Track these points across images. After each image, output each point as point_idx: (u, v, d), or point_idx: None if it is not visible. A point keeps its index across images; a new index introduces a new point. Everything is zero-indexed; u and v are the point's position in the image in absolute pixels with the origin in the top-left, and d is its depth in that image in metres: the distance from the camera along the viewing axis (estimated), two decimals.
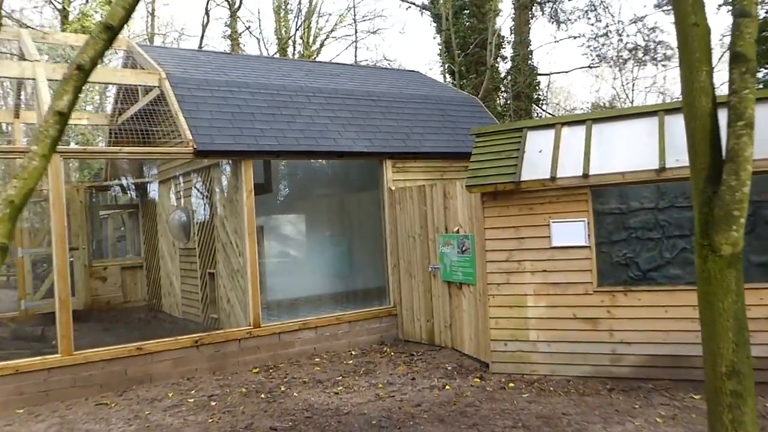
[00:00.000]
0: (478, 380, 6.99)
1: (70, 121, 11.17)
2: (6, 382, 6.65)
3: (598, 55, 24.31)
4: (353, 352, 8.69)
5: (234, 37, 26.14)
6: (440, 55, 23.13)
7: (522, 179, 6.92)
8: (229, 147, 8.05)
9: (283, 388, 7.03)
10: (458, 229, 8.14)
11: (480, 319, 7.67)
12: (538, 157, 7.05)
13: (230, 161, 8.71)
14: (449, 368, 7.59)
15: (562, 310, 6.91)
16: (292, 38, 27.74)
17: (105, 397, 7.04)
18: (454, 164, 10.33)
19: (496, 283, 7.22)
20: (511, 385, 6.75)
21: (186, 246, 10.65)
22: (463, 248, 7.96)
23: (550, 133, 7.23)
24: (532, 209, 7.04)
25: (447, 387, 6.78)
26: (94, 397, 7.08)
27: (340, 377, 7.40)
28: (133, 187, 12.99)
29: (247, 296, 8.25)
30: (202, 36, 24.50)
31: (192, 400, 6.77)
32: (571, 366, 6.87)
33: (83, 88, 3.40)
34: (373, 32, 34.39)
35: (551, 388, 6.59)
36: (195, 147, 7.80)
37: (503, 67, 23.32)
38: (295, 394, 6.80)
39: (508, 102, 22.20)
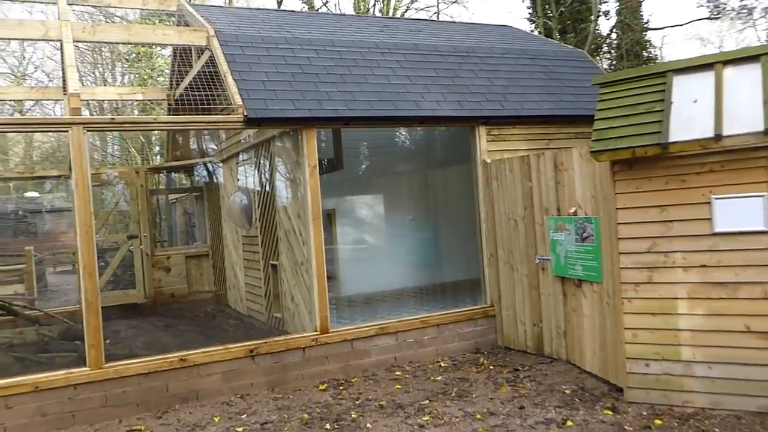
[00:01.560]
0: (610, 412, 5.32)
1: (125, 97, 10.24)
2: (26, 401, 5.62)
3: (716, 6, 21.38)
4: (442, 364, 7.19)
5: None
6: (532, 15, 21.00)
7: (671, 140, 5.12)
8: (286, 113, 6.67)
9: (354, 415, 5.63)
10: (575, 210, 6.43)
11: (608, 329, 5.96)
12: (693, 109, 5.23)
13: (290, 131, 7.35)
14: (567, 392, 5.94)
15: (729, 320, 5.11)
16: (371, 11, 26.31)
17: (141, 420, 5.90)
18: (562, 130, 8.57)
19: (634, 281, 5.49)
20: (658, 422, 5.05)
21: (248, 233, 9.47)
22: (584, 235, 6.25)
23: (707, 77, 5.38)
24: (684, 181, 5.24)
25: (569, 423, 5.16)
26: (129, 418, 5.95)
27: (426, 400, 5.92)
28: (197, 168, 11.98)
29: (313, 295, 6.91)
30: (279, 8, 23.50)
31: (241, 429, 5.49)
32: (744, 397, 5.08)
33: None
34: (455, 1, 32.14)
35: (716, 429, 4.84)
36: (245, 114, 6.48)
37: (606, 25, 20.91)
38: (368, 425, 5.38)
39: (613, 63, 19.82)
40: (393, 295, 8.99)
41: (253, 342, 6.61)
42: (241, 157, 9.60)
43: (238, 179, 9.80)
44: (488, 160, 7.89)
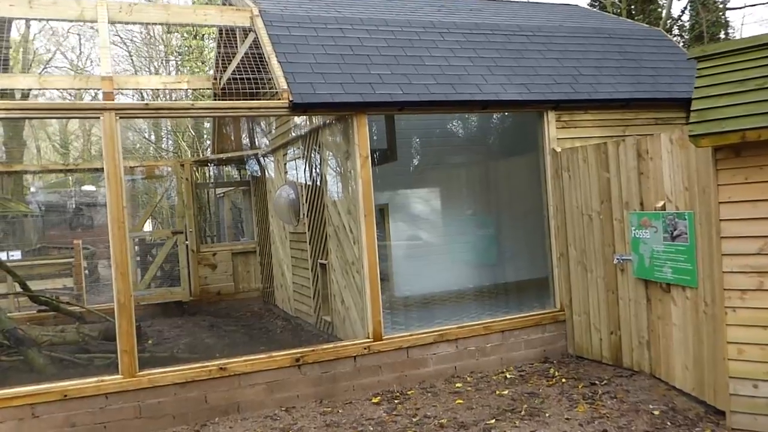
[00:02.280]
0: None
1: (169, 86, 9.90)
2: (53, 411, 5.25)
3: None
4: (508, 375, 6.54)
5: None
6: None
7: None
8: (336, 98, 6.13)
9: None
10: (664, 205, 5.68)
11: (705, 341, 5.21)
12: None
13: (339, 118, 6.80)
14: (656, 413, 5.22)
15: None
16: None
17: None
18: (641, 115, 7.80)
19: (740, 288, 4.72)
20: None
21: (296, 229, 9.00)
22: (674, 233, 5.50)
23: None
24: None
25: None
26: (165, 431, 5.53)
27: (493, 419, 5.29)
28: (244, 160, 11.60)
29: (365, 298, 6.36)
30: None
31: None
32: None
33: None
34: None
35: None
36: (291, 99, 5.96)
37: (677, 6, 19.64)
38: None
39: (686, 47, 18.60)
40: (452, 297, 8.37)
41: (300, 350, 6.10)
42: (288, 148, 9.13)
43: (286, 172, 9.34)
44: (558, 149, 7.18)
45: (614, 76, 7.96)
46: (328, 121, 7.23)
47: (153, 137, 23.51)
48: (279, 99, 6.04)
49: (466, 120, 9.19)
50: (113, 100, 5.36)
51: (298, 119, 8.43)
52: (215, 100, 10.85)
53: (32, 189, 24.33)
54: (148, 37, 21.75)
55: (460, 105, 6.83)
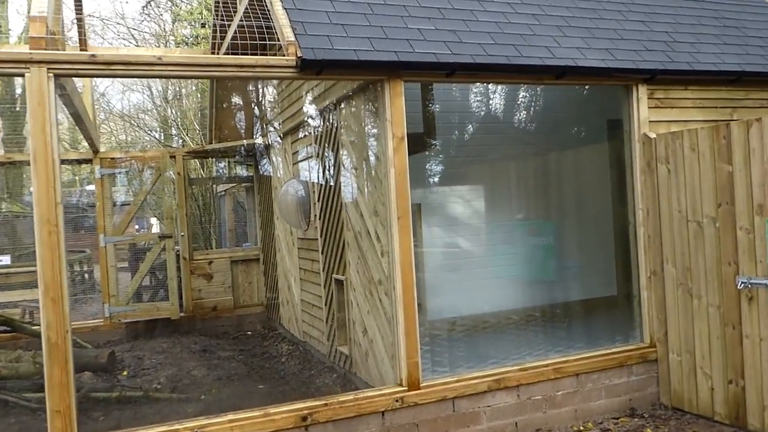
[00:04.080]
0: None
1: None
2: None
3: None
4: None
5: None
6: None
7: None
8: (361, 56, 4.55)
9: None
10: None
11: None
12: None
13: (364, 85, 5.23)
14: None
15: None
16: None
17: None
18: (751, 95, 6.25)
19: None
20: None
21: (305, 235, 7.43)
22: None
23: None
24: None
25: None
26: None
27: None
28: (246, 151, 10.04)
29: (396, 329, 4.77)
30: None
31: None
32: None
33: None
34: None
35: None
36: (299, 55, 4.38)
37: None
38: None
39: None
40: (501, 324, 6.76)
41: (308, 403, 4.50)
42: (298, 133, 7.56)
43: (295, 164, 7.77)
44: (652, 135, 5.55)
45: (716, 45, 6.34)
46: (349, 91, 5.64)
47: (155, 122, 21.88)
48: (284, 54, 4.47)
49: (520, 98, 7.58)
50: (44, 49, 3.81)
51: (310, 90, 6.87)
52: (211, 81, 9.34)
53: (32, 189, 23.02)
54: (157, 28, 20.28)
55: (528, 71, 5.21)
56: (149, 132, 21.90)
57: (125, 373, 7.52)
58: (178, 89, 20.20)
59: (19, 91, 18.44)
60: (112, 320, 9.37)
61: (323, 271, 6.82)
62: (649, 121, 5.69)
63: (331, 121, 6.34)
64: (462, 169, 7.67)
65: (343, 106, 5.98)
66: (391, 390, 4.75)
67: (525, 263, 7.35)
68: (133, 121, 22.16)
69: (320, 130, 6.71)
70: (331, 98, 6.13)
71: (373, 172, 5.28)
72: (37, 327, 8.58)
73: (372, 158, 5.30)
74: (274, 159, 8.97)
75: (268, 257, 9.83)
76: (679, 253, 5.34)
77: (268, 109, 9.14)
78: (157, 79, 20.11)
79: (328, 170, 6.49)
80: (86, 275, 16.22)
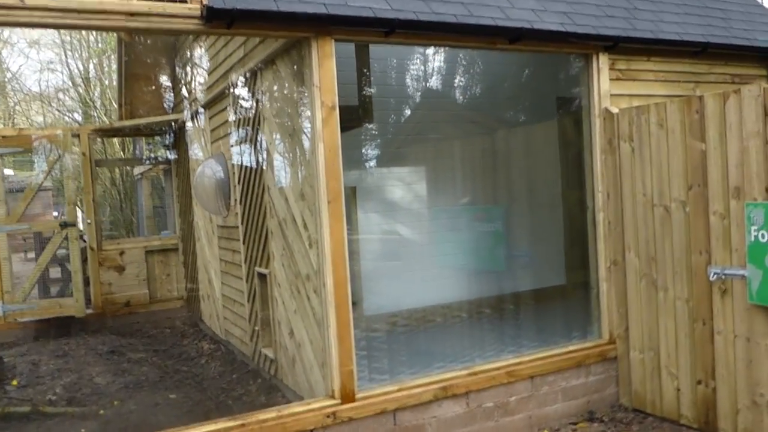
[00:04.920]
0: None
1: None
2: None
3: None
4: None
5: None
6: None
7: None
8: (282, 5, 3.78)
9: None
10: None
11: None
12: None
13: (287, 45, 4.47)
14: None
15: None
16: None
17: None
18: (715, 69, 5.85)
19: None
20: None
21: (226, 222, 6.62)
22: None
23: None
24: None
25: None
26: None
27: None
28: (160, 129, 9.06)
29: (327, 333, 4.06)
30: None
31: None
32: None
33: None
34: None
35: None
36: (205, 2, 3.57)
37: None
38: None
39: None
40: (447, 321, 6.16)
41: (221, 426, 3.75)
42: (216, 106, 6.71)
43: (213, 142, 6.93)
44: (614, 110, 5.02)
45: (678, 15, 5.87)
46: (271, 53, 4.86)
47: (69, 99, 20.27)
48: (186, 2, 3.66)
49: (466, 68, 6.94)
50: None
51: (228, 55, 6.04)
52: (119, 45, 8.35)
53: None
54: None
55: (479, 33, 4.56)
56: (68, 113, 20.41)
57: (15, 382, 6.56)
58: (97, 68, 18.83)
59: None
60: (6, 320, 8.31)
61: (245, 263, 6.04)
62: (611, 95, 5.16)
63: (251, 90, 5.54)
64: (401, 148, 7.00)
65: (264, 72, 5.20)
66: (321, 404, 4.05)
67: (471, 252, 6.77)
68: (51, 103, 20.59)
69: (240, 101, 5.89)
70: (252, 63, 5.33)
71: (299, 149, 4.54)
72: None
73: (296, 133, 4.55)
74: (191, 137, 8.07)
75: (188, 247, 8.94)
76: (643, 241, 4.83)
77: (184, 80, 8.22)
78: (67, 53, 18.66)
79: (249, 148, 5.69)
80: None
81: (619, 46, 5.10)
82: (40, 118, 21.91)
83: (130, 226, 16.26)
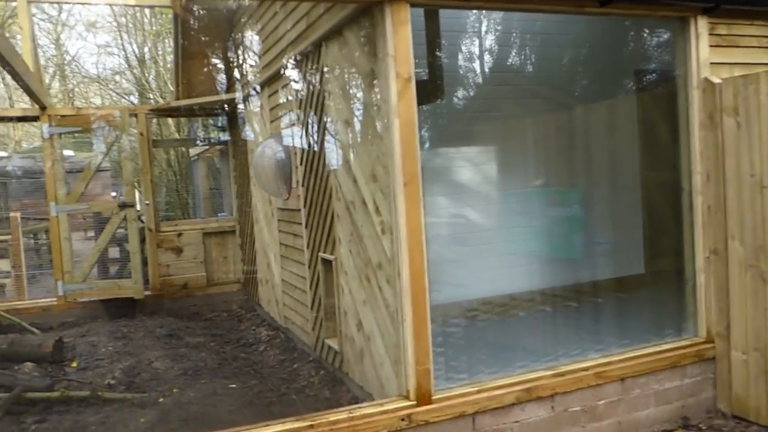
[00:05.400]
0: None
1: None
2: None
3: None
4: None
5: None
6: None
7: None
8: None
9: None
10: None
11: None
12: None
13: (356, 11, 4.08)
14: None
15: None
16: None
17: None
18: None
19: None
20: None
21: (286, 204, 6.32)
22: None
23: None
24: None
25: None
26: None
27: None
28: (219, 108, 8.83)
29: (403, 328, 3.70)
30: None
31: None
32: None
33: None
34: None
35: None
36: None
37: None
38: None
39: None
40: (524, 314, 5.74)
41: (287, 427, 3.44)
42: (277, 83, 6.38)
43: (272, 121, 6.61)
44: (716, 80, 4.47)
45: None
46: (337, 23, 4.48)
47: (125, 77, 20.38)
48: None
49: (539, 38, 6.42)
50: None
51: (288, 30, 5.69)
52: (175, 23, 8.12)
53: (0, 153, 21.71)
54: None
55: None
56: (125, 95, 20.57)
57: (74, 364, 6.45)
58: (152, 51, 18.86)
59: None
60: (67, 299, 8.27)
61: (307, 248, 5.73)
62: (710, 64, 4.60)
63: (315, 64, 5.17)
64: (469, 126, 6.54)
65: (329, 44, 4.82)
66: (395, 405, 3.70)
67: (545, 238, 6.30)
68: (108, 85, 20.79)
69: (302, 77, 5.54)
70: (315, 35, 4.95)
71: (370, 126, 4.16)
72: None
73: (367, 108, 4.17)
74: (249, 117, 7.79)
75: (245, 229, 8.72)
76: (749, 228, 4.30)
77: (241, 58, 7.94)
78: (123, 36, 18.72)
79: (313, 126, 5.34)
80: (49, 246, 15.06)
81: (720, 8, 4.53)
82: (98, 100, 22.16)
83: (186, 207, 16.27)
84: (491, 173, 6.53)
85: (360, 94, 4.30)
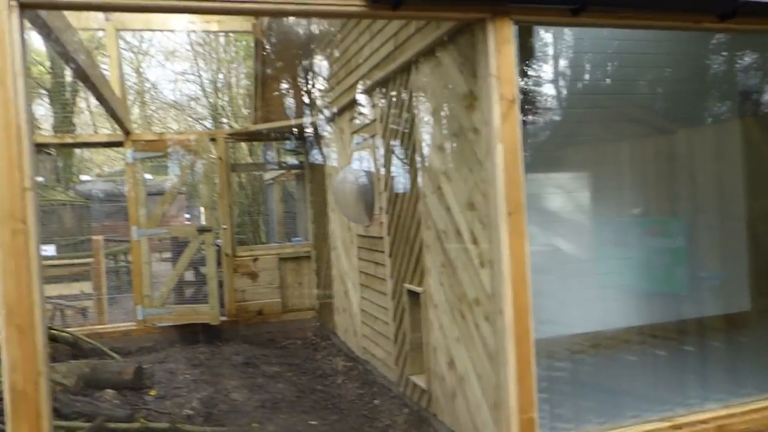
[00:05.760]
0: None
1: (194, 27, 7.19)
2: None
3: None
4: None
5: None
6: None
7: None
8: None
9: None
10: None
11: None
12: None
13: (454, 29, 3.84)
14: None
15: None
16: None
17: None
18: None
19: None
20: None
21: (367, 231, 6.10)
22: None
23: None
24: None
25: None
26: None
27: None
28: (296, 132, 8.76)
29: (505, 370, 3.38)
30: None
31: None
32: None
33: None
34: None
35: None
36: None
37: None
38: None
39: None
40: (623, 351, 5.30)
41: None
42: (358, 108, 6.22)
43: (353, 145, 6.44)
44: None
45: None
46: (431, 43, 4.26)
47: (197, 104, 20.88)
48: None
49: (636, 57, 6.04)
50: None
51: (372, 52, 5.51)
52: (255, 47, 8.12)
53: (84, 177, 22.63)
54: None
55: (687, 8, 3.73)
56: (199, 120, 21.09)
57: (153, 392, 6.36)
58: (227, 76, 19.28)
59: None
60: (146, 324, 8.29)
61: (390, 277, 5.48)
62: None
63: (403, 87, 4.97)
64: (561, 151, 6.19)
65: (420, 65, 4.60)
66: None
67: (644, 271, 5.85)
68: (184, 110, 21.39)
69: (388, 100, 5.34)
70: (404, 57, 4.75)
71: (466, 150, 3.90)
72: (66, 332, 7.57)
73: (466, 132, 3.91)
74: (328, 140, 7.67)
75: (322, 255, 8.56)
76: None
77: (321, 80, 7.85)
78: (204, 65, 19.21)
79: (400, 151, 5.12)
80: (128, 268, 15.34)
81: None
82: (174, 125, 22.77)
83: (257, 231, 16.36)
84: (584, 201, 6.14)
85: (455, 117, 4.05)
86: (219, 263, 8.58)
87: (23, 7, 2.78)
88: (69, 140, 9.09)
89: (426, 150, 4.58)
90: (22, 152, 2.77)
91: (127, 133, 8.15)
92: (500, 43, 3.37)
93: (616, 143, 6.23)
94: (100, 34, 12.87)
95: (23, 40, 2.81)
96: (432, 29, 4.20)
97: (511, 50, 3.39)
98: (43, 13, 3.47)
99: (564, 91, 6.41)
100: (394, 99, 5.20)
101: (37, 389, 2.81)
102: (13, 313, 2.78)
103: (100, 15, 7.90)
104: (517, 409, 3.35)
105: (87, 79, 5.27)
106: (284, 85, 8.81)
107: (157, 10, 3.55)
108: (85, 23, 8.16)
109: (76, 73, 4.97)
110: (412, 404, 5.15)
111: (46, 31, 3.66)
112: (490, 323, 3.58)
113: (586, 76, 6.48)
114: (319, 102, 8.07)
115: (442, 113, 4.27)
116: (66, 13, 4.21)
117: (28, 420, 2.80)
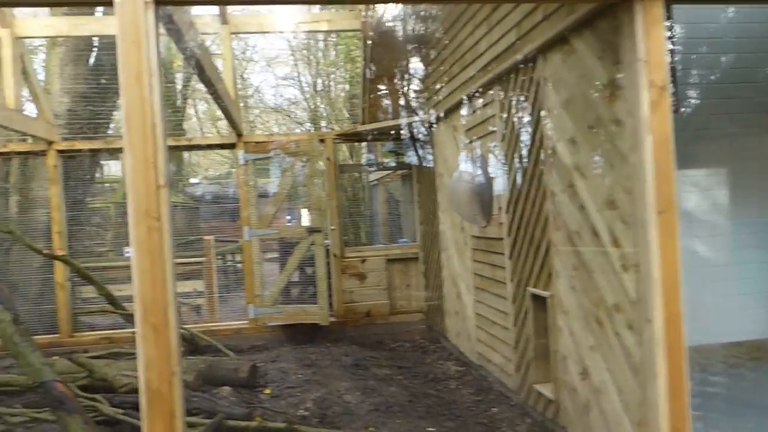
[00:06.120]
0: None
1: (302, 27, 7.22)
2: None
3: None
4: None
5: None
6: None
7: None
8: None
9: None
10: None
11: None
12: None
13: (593, 12, 3.57)
14: None
15: None
16: None
17: None
18: None
19: None
20: None
21: (483, 232, 5.87)
22: None
23: None
24: None
25: None
26: None
27: None
28: (404, 133, 8.64)
29: (654, 385, 3.08)
30: None
31: None
32: None
33: None
34: None
35: None
36: None
37: None
38: None
39: None
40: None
41: None
42: (474, 102, 6.01)
43: (469, 142, 6.23)
44: None
45: None
46: (563, 29, 3.99)
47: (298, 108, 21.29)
48: None
49: None
50: None
51: (492, 44, 5.28)
52: (364, 46, 8.06)
53: (193, 180, 23.70)
54: None
55: None
56: (300, 124, 21.53)
57: (268, 391, 6.41)
58: (326, 81, 19.56)
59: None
60: (257, 323, 8.42)
61: (511, 281, 5.23)
62: None
63: (528, 78, 4.71)
64: (695, 145, 5.72)
65: (548, 54, 4.34)
66: None
67: None
68: (286, 114, 21.91)
69: (509, 94, 5.10)
70: (529, 47, 4.50)
71: (605, 143, 3.61)
72: (184, 328, 7.77)
73: (605, 124, 3.62)
74: (439, 139, 7.49)
75: (430, 256, 8.39)
76: None
77: (432, 77, 7.68)
78: (305, 69, 19.56)
79: (522, 147, 4.87)
80: (238, 267, 15.81)
81: None
82: (276, 128, 23.37)
83: (358, 232, 16.44)
84: (721, 200, 5.65)
85: (592, 109, 3.77)
86: (327, 264, 8.60)
87: (158, 3, 2.77)
88: (185, 143, 9.38)
89: (554, 145, 4.30)
90: (156, 150, 2.76)
91: (239, 134, 8.31)
92: (650, 24, 3.07)
93: (757, 136, 5.69)
94: (209, 42, 13.30)
95: (158, 38, 2.80)
96: (562, 16, 3.94)
97: (661, 32, 3.08)
98: (169, 10, 3.49)
99: (698, 79, 5.93)
100: (516, 92, 4.95)
101: (171, 388, 2.79)
102: (149, 312, 2.78)
103: (215, 19, 8.09)
104: (668, 428, 3.04)
105: (208, 80, 5.36)
106: (392, 84, 8.71)
107: (279, 2, 3.48)
108: (200, 27, 8.39)
109: (198, 72, 5.04)
110: (536, 414, 4.88)
111: (175, 30, 3.69)
112: (635, 332, 3.28)
113: (723, 62, 5.96)
114: (428, 100, 7.91)
115: (576, 105, 3.99)
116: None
117: (162, 419, 2.78)
